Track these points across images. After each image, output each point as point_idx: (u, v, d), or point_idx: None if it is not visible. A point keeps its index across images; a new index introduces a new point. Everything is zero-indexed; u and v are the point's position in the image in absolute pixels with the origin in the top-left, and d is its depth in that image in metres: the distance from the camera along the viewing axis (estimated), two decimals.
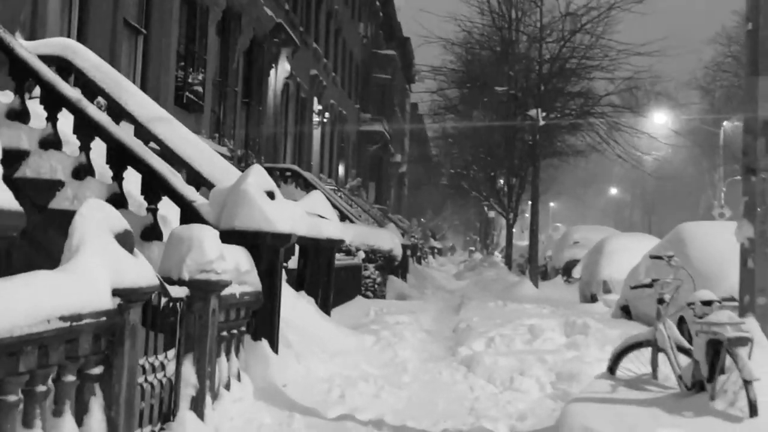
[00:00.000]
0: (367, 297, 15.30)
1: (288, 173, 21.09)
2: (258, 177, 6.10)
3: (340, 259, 11.48)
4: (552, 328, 11.07)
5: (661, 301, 5.74)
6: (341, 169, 36.17)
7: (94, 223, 3.66)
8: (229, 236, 5.96)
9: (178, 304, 4.76)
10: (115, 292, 3.59)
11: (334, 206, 21.04)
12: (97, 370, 3.61)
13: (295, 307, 7.70)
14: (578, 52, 18.88)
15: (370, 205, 35.24)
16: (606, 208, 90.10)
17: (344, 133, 36.36)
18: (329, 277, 8.88)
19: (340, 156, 35.92)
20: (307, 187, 21.32)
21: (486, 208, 47.58)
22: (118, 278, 3.61)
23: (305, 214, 8.58)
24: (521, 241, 52.05)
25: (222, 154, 16.44)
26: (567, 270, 22.91)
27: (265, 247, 5.99)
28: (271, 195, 6.08)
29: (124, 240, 3.77)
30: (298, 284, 8.67)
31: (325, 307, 8.73)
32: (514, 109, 20.70)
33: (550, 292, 19.38)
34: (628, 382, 6.12)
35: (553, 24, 18.93)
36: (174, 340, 4.78)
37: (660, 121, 38.24)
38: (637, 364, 6.39)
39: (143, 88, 12.90)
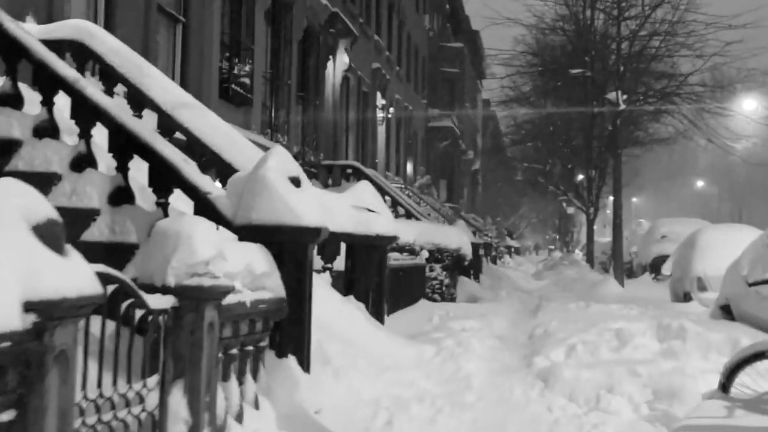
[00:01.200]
0: (434, 300, 14.11)
1: (349, 170, 20.06)
2: (280, 160, 4.99)
3: (398, 258, 10.33)
4: (642, 332, 9.66)
5: None
6: (409, 167, 35.03)
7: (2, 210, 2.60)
8: (246, 232, 4.89)
9: (161, 317, 3.69)
10: (29, 306, 2.51)
11: (398, 204, 19.96)
12: (5, 417, 2.54)
13: (341, 314, 6.58)
14: (661, 27, 17.20)
15: (440, 203, 34.01)
16: (692, 201, 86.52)
17: (411, 129, 35.21)
18: (381, 279, 7.73)
19: (407, 153, 34.78)
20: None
21: (564, 204, 45.69)
22: (33, 287, 2.53)
23: (350, 208, 7.47)
24: (603, 238, 49.83)
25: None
26: (655, 267, 21.20)
27: (289, 244, 4.87)
28: (296, 182, 4.96)
29: (48, 233, 2.69)
30: (345, 288, 7.55)
31: (378, 313, 7.58)
32: (591, 93, 19.11)
33: (637, 290, 17.78)
34: (747, 403, 4.79)
35: None
36: (158, 363, 3.71)
37: (750, 107, 35.82)
38: (757, 379, 5.06)
39: (183, 80, 12.04)
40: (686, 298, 15.44)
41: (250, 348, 4.41)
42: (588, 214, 28.69)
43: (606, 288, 17.17)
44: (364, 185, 7.83)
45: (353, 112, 24.71)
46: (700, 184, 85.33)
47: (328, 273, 7.19)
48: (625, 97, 16.82)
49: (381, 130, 29.26)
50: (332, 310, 6.47)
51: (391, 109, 29.57)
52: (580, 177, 29.85)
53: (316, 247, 7.57)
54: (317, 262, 7.30)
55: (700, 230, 16.28)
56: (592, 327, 9.99)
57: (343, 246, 7.75)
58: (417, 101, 37.13)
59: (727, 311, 12.32)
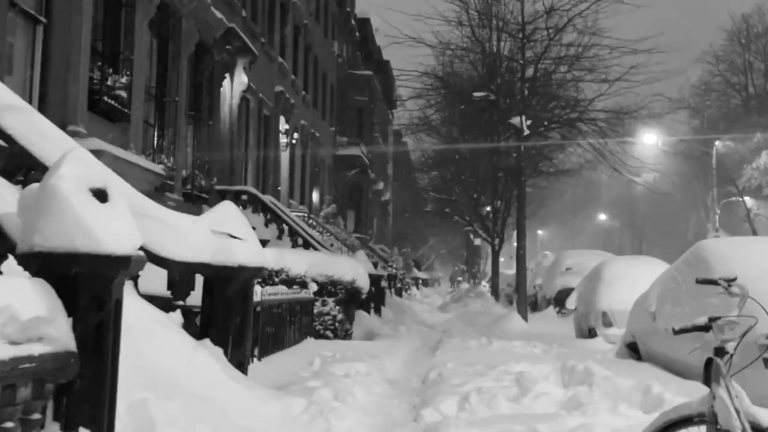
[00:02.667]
0: (325, 337, 12.98)
1: (244, 196, 18.82)
2: (79, 166, 3.79)
3: (279, 293, 9.17)
4: (545, 376, 8.76)
5: (720, 351, 3.51)
6: (315, 196, 33.91)
7: None
8: (28, 261, 3.70)
9: None
10: None
11: (296, 233, 18.81)
12: None
13: (190, 364, 5.38)
14: (565, 51, 16.72)
15: (347, 233, 32.98)
16: (595, 234, 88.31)
17: (318, 157, 34.15)
18: (245, 318, 6.55)
19: (313, 182, 33.66)
20: (266, 211, 19.10)
21: (471, 235, 45.37)
22: None
23: (209, 233, 6.30)
24: (509, 270, 49.74)
25: (155, 173, 14.18)
26: (559, 300, 20.60)
27: (86, 278, 3.68)
28: (101, 195, 3.78)
29: None
30: (201, 330, 6.34)
31: (239, 360, 6.39)
32: (496, 120, 18.53)
33: (541, 325, 17.08)
34: None
35: (537, 20, 16.81)
36: None
37: (650, 141, 36.37)
38: None
39: (43, 87, 10.66)
40: (591, 333, 14.77)
41: (10, 425, 3.19)
42: (493, 246, 28.17)
43: (510, 323, 16.39)
44: (227, 207, 6.67)
45: (253, 135, 23.48)
46: (602, 217, 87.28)
47: (179, 312, 5.98)
48: (529, 122, 16.23)
49: (284, 156, 28.08)
50: (176, 360, 5.27)
51: (296, 135, 28.46)
52: (487, 208, 29.42)
53: (168, 280, 6.36)
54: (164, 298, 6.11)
55: (604, 262, 15.71)
56: (492, 369, 9.07)
57: (200, 280, 6.56)
58: (324, 128, 36.15)
59: (633, 349, 11.63)
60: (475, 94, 16.64)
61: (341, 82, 41.04)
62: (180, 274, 6.02)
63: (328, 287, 13.15)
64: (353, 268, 13.45)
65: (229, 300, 6.46)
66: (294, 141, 28.24)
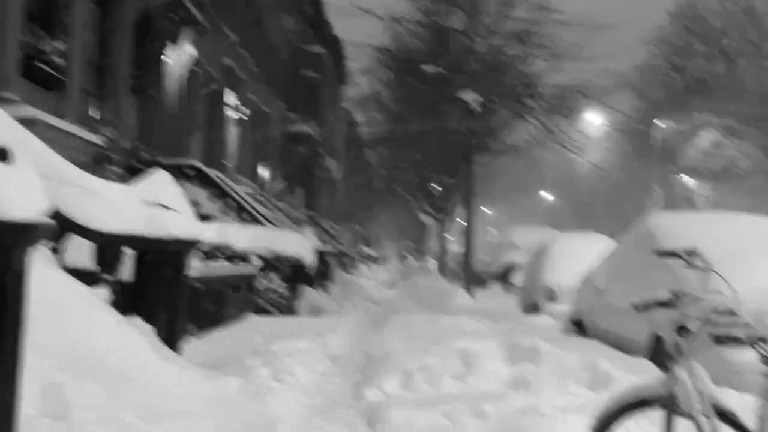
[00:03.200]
0: (270, 314, 12.75)
1: (189, 170, 18.33)
2: None
3: (216, 268, 8.90)
4: (491, 353, 8.67)
5: (682, 329, 3.32)
6: (264, 172, 33.44)
7: None
8: None
9: None
10: None
11: (243, 208, 18.45)
12: None
13: (116, 343, 5.09)
14: (517, 26, 16.49)
15: (296, 210, 32.63)
16: (539, 212, 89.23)
17: (268, 132, 33.63)
18: (178, 294, 6.28)
19: (263, 157, 33.17)
20: (211, 186, 18.66)
21: (419, 213, 45.38)
22: None
23: (140, 204, 6.00)
24: (456, 247, 49.96)
25: (93, 144, 13.71)
26: (505, 276, 20.71)
27: None
28: (1, 154, 3.45)
29: None
30: (131, 305, 6.05)
31: (171, 338, 6.12)
32: (446, 95, 18.31)
33: (487, 301, 17.10)
34: None
35: None
36: None
37: (594, 121, 36.60)
38: None
39: None
40: (537, 309, 14.82)
41: None
42: (441, 223, 28.13)
43: (456, 298, 16.36)
44: (161, 176, 6.38)
45: (201, 109, 22.93)
46: (546, 195, 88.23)
47: (107, 287, 5.68)
48: (480, 98, 16.07)
49: (234, 131, 27.57)
50: (101, 338, 4.98)
51: (246, 110, 27.91)
52: (434, 185, 29.35)
53: (98, 251, 6.06)
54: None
55: (551, 239, 15.76)
56: (437, 345, 8.93)
57: (131, 253, 6.25)
58: (275, 104, 35.59)
59: (579, 326, 11.64)
60: (425, 67, 16.40)
61: (293, 58, 40.45)
62: (108, 247, 5.72)
63: (273, 263, 12.90)
64: (299, 244, 13.21)
65: (162, 274, 6.18)
66: (244, 116, 27.73)
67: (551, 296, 14.32)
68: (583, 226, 75.25)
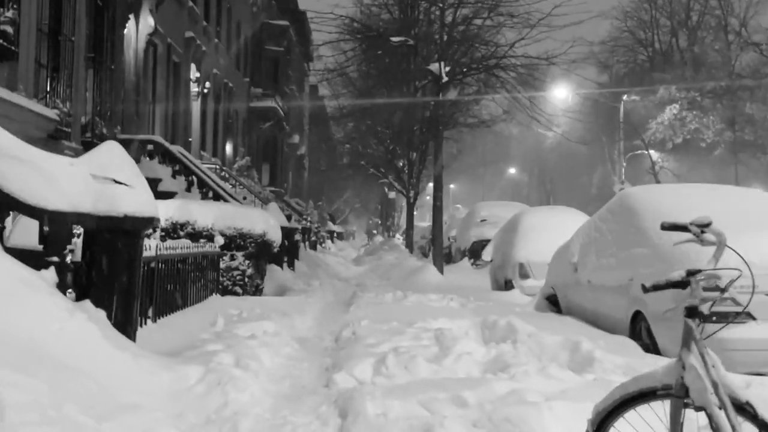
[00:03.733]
0: (234, 293, 12.31)
1: (149, 146, 17.77)
2: None
3: (176, 247, 8.43)
4: (466, 332, 8.38)
5: (693, 311, 2.95)
6: (228, 148, 32.78)
7: None
8: None
9: None
10: None
11: (206, 185, 17.93)
12: None
13: (63, 331, 4.66)
14: None
15: (261, 187, 32.07)
16: (505, 187, 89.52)
17: (232, 108, 32.93)
18: (132, 276, 5.83)
19: (227, 133, 32.50)
20: (174, 162, 18.12)
21: (386, 188, 44.98)
22: None
23: (89, 178, 5.54)
24: (423, 223, 49.68)
25: (48, 118, 13.09)
26: (474, 252, 20.42)
27: None
28: None
29: None
30: (81, 290, 5.60)
31: (125, 324, 5.68)
32: (414, 67, 17.91)
33: (456, 278, 16.81)
34: None
35: None
36: None
37: (561, 95, 36.56)
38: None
39: None
40: (508, 286, 14.57)
41: None
42: (408, 198, 27.80)
43: (425, 275, 16.04)
44: (112, 147, 5.90)
45: (161, 83, 22.24)
46: (512, 171, 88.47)
47: (52, 269, 5.21)
48: (448, 69, 15.66)
49: (196, 106, 26.87)
50: (45, 326, 4.55)
51: (208, 84, 27.22)
52: (402, 161, 28.95)
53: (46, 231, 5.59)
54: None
55: (521, 213, 15.46)
56: (409, 327, 8.61)
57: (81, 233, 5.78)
58: (238, 79, 34.85)
59: (553, 302, 11.40)
60: (393, 38, 15.93)
61: (256, 32, 39.61)
62: (53, 225, 5.25)
63: (237, 240, 12.43)
64: (264, 221, 12.75)
65: (114, 255, 5.73)
66: (206, 90, 27.04)
67: (522, 272, 14.05)
68: (546, 201, 75.69)
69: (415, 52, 17.20)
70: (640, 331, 8.10)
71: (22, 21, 12.55)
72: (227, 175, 25.95)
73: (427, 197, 63.78)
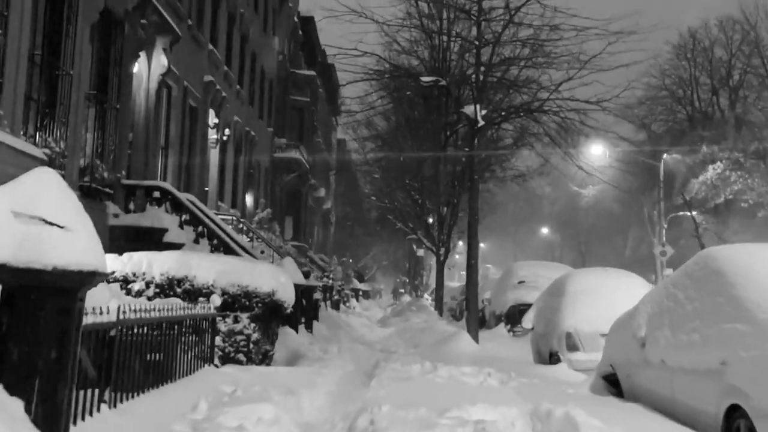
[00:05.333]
0: (238, 362, 10.61)
1: (156, 193, 16.29)
2: None
3: (156, 308, 6.76)
4: (512, 423, 6.62)
5: None
6: (249, 200, 31.35)
7: None
8: None
9: None
10: None
11: (216, 236, 16.35)
12: None
13: None
14: (525, 32, 14.54)
15: (283, 241, 30.51)
16: (537, 247, 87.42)
17: (253, 158, 31.60)
18: (65, 349, 4.17)
19: (247, 184, 31.11)
20: (182, 211, 16.61)
21: (414, 245, 43.22)
22: None
23: (9, 217, 3.94)
24: (452, 282, 47.64)
25: (33, 157, 11.61)
26: (511, 317, 18.53)
27: None
28: None
29: None
30: None
31: (53, 418, 4.00)
32: (446, 108, 16.38)
33: (492, 347, 14.92)
34: None
35: None
36: None
37: (596, 152, 34.91)
38: None
39: None
40: (553, 358, 12.66)
41: None
42: (438, 256, 26.02)
43: (458, 344, 14.18)
44: (43, 176, 4.33)
45: (175, 127, 20.90)
46: (545, 231, 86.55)
47: None
48: (484, 112, 14.09)
49: (214, 154, 25.53)
50: None
51: (227, 131, 25.90)
52: (431, 218, 27.33)
53: None
54: None
55: (568, 275, 13.61)
56: (441, 416, 6.83)
57: None
58: (261, 128, 33.62)
59: (612, 382, 9.53)
60: (423, 78, 14.40)
61: (281, 81, 38.56)
62: None
63: (241, 300, 10.77)
64: (273, 277, 11.08)
65: (39, 322, 4.08)
66: (225, 138, 25.71)
67: (570, 343, 12.16)
68: (581, 262, 73.32)
69: (448, 93, 15.63)
70: (737, 430, 6.26)
71: (8, 46, 11.19)
72: (245, 228, 24.45)
73: (456, 256, 61.87)
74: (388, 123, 23.15)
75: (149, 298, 10.19)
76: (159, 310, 6.75)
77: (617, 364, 9.31)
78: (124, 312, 5.87)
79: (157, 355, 7.03)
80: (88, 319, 5.18)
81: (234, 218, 24.21)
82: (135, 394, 6.08)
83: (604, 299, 11.96)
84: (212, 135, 24.75)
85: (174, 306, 7.60)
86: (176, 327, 7.40)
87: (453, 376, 10.67)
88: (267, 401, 7.27)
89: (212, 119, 24.30)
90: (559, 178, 61.13)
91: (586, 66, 13.69)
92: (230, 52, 27.20)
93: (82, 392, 5.08)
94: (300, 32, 43.76)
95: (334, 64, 54.01)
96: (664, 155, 45.35)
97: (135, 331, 6.12)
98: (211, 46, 23.94)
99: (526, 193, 68.54)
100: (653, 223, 52.43)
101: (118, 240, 15.31)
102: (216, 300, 9.15)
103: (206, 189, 24.42)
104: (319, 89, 46.93)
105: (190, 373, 7.99)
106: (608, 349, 9.79)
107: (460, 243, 52.06)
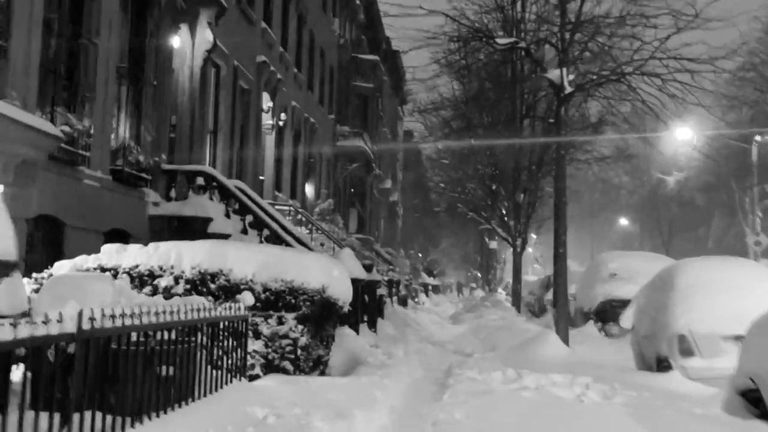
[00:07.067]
0: (284, 371, 8.86)
1: (199, 178, 14.70)
2: None
3: (170, 311, 5.01)
4: None
5: None
6: (309, 190, 29.73)
7: None
8: None
9: None
10: None
11: (265, 224, 14.69)
12: None
13: None
14: None
15: (346, 234, 28.82)
16: (614, 239, 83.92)
17: (314, 146, 29.96)
18: None
19: (308, 174, 29.49)
20: (229, 199, 14.98)
21: (486, 237, 40.98)
22: None
23: None
24: (527, 276, 45.19)
25: (47, 134, 10.06)
26: (602, 314, 16.34)
27: None
28: None
29: None
30: None
31: None
32: (522, 76, 14.32)
33: (584, 350, 12.80)
34: None
35: None
36: None
37: (684, 136, 32.19)
38: None
39: None
40: (661, 365, 10.49)
41: None
42: (515, 247, 23.88)
43: (544, 347, 12.11)
44: None
45: (225, 109, 19.32)
46: (623, 222, 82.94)
47: None
48: (572, 77, 12.01)
49: (269, 141, 23.96)
50: None
51: (283, 116, 24.26)
52: (505, 205, 25.17)
53: None
54: None
55: (678, 266, 11.39)
56: None
57: None
58: (322, 115, 31.96)
59: (755, 402, 7.42)
60: (499, 40, 12.36)
61: (343, 66, 36.82)
62: None
63: (285, 297, 9.00)
64: (324, 271, 9.27)
65: None
66: (281, 123, 24.08)
67: (684, 348, 10.00)
68: (663, 254, 69.63)
69: (527, 55, 13.51)
70: None
71: (16, 7, 9.65)
72: (304, 219, 22.81)
73: (528, 249, 59.23)
74: (457, 99, 21.15)
75: (179, 296, 8.54)
76: (156, 314, 4.97)
77: (760, 378, 7.18)
78: (92, 319, 4.09)
79: (165, 370, 5.30)
80: (19, 332, 3.43)
81: (292, 209, 22.60)
82: (158, 413, 4.30)
83: (728, 294, 9.79)
84: (267, 120, 23.16)
85: (199, 306, 5.86)
86: (188, 335, 5.61)
87: (542, 386, 8.71)
88: (310, 427, 5.46)
89: (266, 103, 22.69)
90: (638, 167, 58.06)
91: (699, 16, 11.43)
92: (286, 33, 25.56)
93: None
94: (362, 16, 41.96)
95: (399, 52, 52.22)
96: (757, 137, 41.98)
97: (122, 343, 4.35)
98: (264, 24, 22.31)
99: (603, 183, 65.43)
100: (745, 211, 49.02)
101: (160, 231, 13.80)
102: (248, 299, 7.36)
103: (261, 178, 22.85)
104: (383, 77, 45.04)
105: (213, 392, 6.22)
106: (747, 358, 7.62)
107: (533, 236, 49.63)
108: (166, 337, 5.22)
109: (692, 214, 67.10)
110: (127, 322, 4.47)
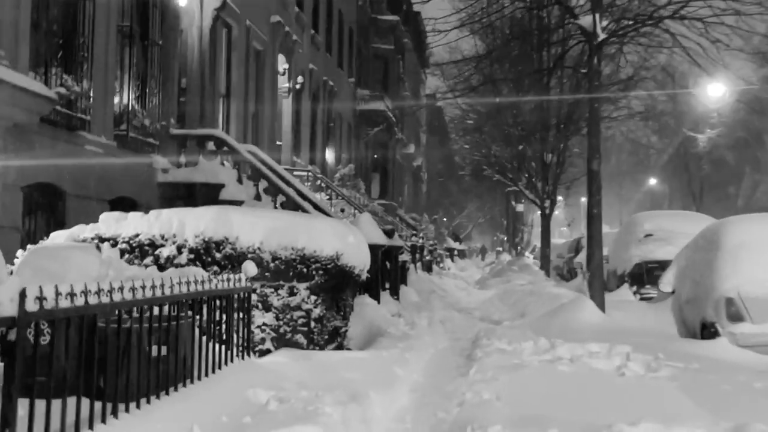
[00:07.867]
0: (297, 345, 8.21)
1: (210, 142, 13.99)
2: None
3: (153, 286, 4.33)
4: None
5: None
6: (329, 155, 28.95)
7: None
8: None
9: None
10: None
11: (281, 190, 13.98)
12: None
13: None
14: None
15: (369, 199, 28.09)
16: (642, 201, 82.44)
17: (333, 110, 29.13)
18: None
19: (327, 138, 28.69)
20: (241, 163, 14.26)
21: (513, 200, 40.00)
22: None
23: None
24: (555, 239, 44.25)
25: (38, 95, 9.34)
26: (636, 277, 15.50)
27: None
28: None
29: None
30: None
31: None
32: (549, 22, 13.32)
33: (620, 316, 12.00)
34: None
35: None
36: None
37: (717, 93, 30.93)
38: None
39: None
40: (706, 332, 9.68)
41: None
42: (543, 209, 23.02)
43: (578, 313, 11.32)
44: None
45: (238, 73, 18.54)
46: (652, 182, 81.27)
47: None
48: (605, 23, 11.08)
49: (286, 104, 23.18)
50: None
51: (300, 79, 23.45)
52: (533, 166, 24.23)
53: None
54: None
55: (723, 223, 10.52)
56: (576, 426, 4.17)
57: None
58: (341, 78, 31.08)
59: None
60: None
61: (362, 28, 35.80)
62: None
63: (296, 266, 8.30)
64: (338, 237, 8.54)
65: None
66: (298, 86, 23.27)
67: (732, 312, 9.18)
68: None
69: (557, 2, 12.56)
70: None
71: None
72: (324, 185, 22.08)
73: (555, 212, 57.99)
74: (480, 56, 20.19)
75: (182, 266, 7.88)
76: (132, 290, 4.26)
77: None
78: (42, 299, 3.38)
79: (157, 351, 4.62)
80: None
81: (311, 174, 21.88)
82: (156, 394, 3.62)
83: None
84: (283, 83, 22.36)
85: (195, 278, 5.17)
86: (177, 310, 4.91)
87: (578, 357, 7.95)
88: (312, 420, 4.76)
89: (282, 65, 21.87)
90: (667, 125, 56.56)
91: None
92: None
93: None
94: None
95: (420, 13, 50.93)
96: None
97: (90, 325, 3.65)
98: None
99: (631, 143, 64.00)
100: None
101: (170, 198, 13.13)
102: (250, 269, 6.64)
103: (279, 143, 22.11)
104: (404, 39, 43.92)
105: (212, 372, 5.54)
106: None
107: (560, 198, 48.51)
108: (148, 315, 4.52)
109: (723, 172, 65.59)
110: (92, 300, 3.77)
